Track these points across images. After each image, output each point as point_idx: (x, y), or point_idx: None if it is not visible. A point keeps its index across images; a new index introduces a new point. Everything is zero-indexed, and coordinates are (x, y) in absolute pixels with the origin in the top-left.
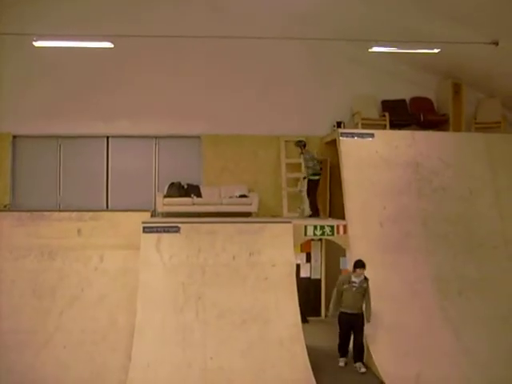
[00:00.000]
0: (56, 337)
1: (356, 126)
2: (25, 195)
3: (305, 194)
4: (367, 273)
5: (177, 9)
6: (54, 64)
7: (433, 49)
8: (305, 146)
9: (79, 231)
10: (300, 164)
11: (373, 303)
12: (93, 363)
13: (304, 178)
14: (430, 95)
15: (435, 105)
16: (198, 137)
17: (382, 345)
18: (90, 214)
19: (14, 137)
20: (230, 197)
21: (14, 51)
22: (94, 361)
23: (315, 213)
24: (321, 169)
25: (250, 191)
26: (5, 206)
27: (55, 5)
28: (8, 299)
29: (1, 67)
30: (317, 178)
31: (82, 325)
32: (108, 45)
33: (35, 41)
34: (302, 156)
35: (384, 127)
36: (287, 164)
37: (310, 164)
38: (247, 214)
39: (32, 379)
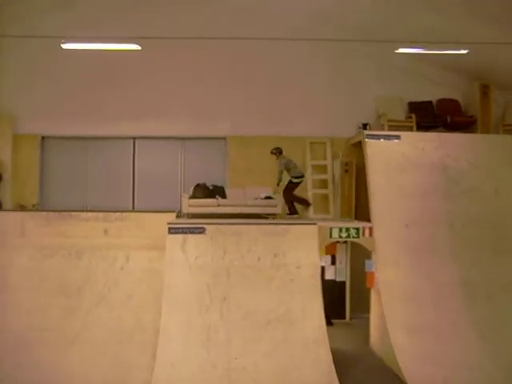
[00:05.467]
0: (82, 336)
1: (382, 128)
2: (52, 195)
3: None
4: (393, 276)
5: (201, 10)
6: (81, 66)
7: (460, 50)
8: (281, 152)
9: (106, 231)
10: (326, 166)
11: (398, 306)
12: (118, 362)
13: (278, 183)
14: (458, 97)
15: (462, 106)
16: (224, 138)
17: (408, 348)
18: (117, 214)
19: (43, 138)
20: (255, 198)
21: (42, 54)
22: (119, 360)
23: (293, 212)
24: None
25: (275, 193)
26: (33, 206)
27: (82, 7)
28: (35, 297)
29: (30, 70)
30: (299, 180)
31: (108, 324)
32: (135, 47)
33: (63, 43)
34: (278, 161)
35: (410, 129)
36: (313, 165)
37: (291, 166)
38: (272, 216)
39: (58, 377)
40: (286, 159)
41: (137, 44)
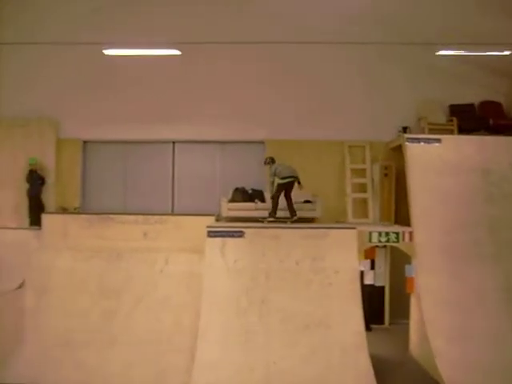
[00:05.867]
0: (122, 336)
1: (422, 131)
2: (94, 198)
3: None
4: (434, 281)
5: (239, 15)
6: (121, 71)
7: (503, 51)
8: (273, 161)
9: (145, 234)
10: (365, 170)
11: (438, 312)
12: (157, 363)
13: (272, 197)
14: (500, 99)
15: (505, 109)
16: (262, 142)
17: (448, 355)
18: (156, 217)
19: (84, 142)
20: (294, 202)
21: (85, 60)
22: (158, 361)
23: (273, 212)
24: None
25: (313, 196)
26: (75, 209)
27: (123, 14)
28: (77, 299)
29: (72, 75)
30: (285, 181)
31: (147, 326)
32: (175, 52)
33: (105, 49)
34: (269, 167)
35: (451, 132)
36: (352, 169)
37: (279, 170)
38: (311, 220)
39: (98, 378)
40: (275, 166)
41: (177, 49)
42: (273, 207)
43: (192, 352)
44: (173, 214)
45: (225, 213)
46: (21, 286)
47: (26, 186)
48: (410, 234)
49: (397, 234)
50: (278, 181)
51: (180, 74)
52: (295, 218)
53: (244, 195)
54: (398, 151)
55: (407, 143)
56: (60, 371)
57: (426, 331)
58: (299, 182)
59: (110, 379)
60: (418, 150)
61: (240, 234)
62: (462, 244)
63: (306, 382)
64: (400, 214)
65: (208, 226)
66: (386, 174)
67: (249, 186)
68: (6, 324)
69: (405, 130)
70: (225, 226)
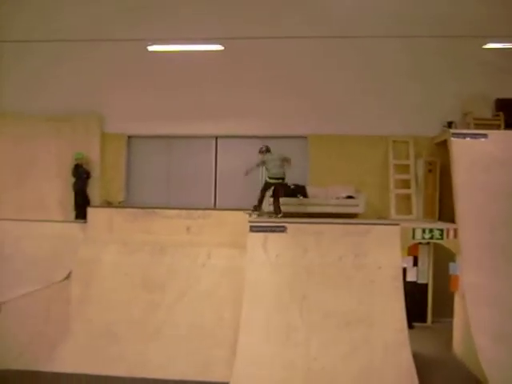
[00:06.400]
0: (165, 329)
1: (468, 126)
2: (137, 192)
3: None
4: (479, 280)
5: (282, 10)
6: (165, 67)
7: None
8: (268, 150)
9: (188, 229)
10: (408, 165)
11: (483, 311)
12: (198, 356)
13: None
14: None
15: None
16: (305, 137)
17: (493, 355)
18: (199, 212)
19: (129, 137)
20: (337, 198)
21: (129, 56)
22: (199, 354)
23: (257, 208)
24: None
25: (356, 192)
26: (119, 203)
27: (166, 10)
28: (121, 291)
29: (117, 71)
30: (274, 181)
31: (189, 319)
32: (218, 47)
33: (150, 45)
34: (263, 156)
35: (498, 127)
36: (395, 165)
37: (271, 165)
38: (353, 216)
39: (139, 369)
40: (267, 156)
41: (219, 44)
42: (258, 201)
43: (233, 346)
44: (215, 208)
45: (266, 207)
46: (67, 278)
47: (71, 180)
48: (455, 230)
49: (441, 230)
50: (267, 175)
51: (223, 69)
52: (280, 215)
53: (287, 190)
54: (443, 147)
55: (453, 138)
56: (104, 361)
57: (470, 330)
58: (285, 184)
59: (153, 371)
60: (464, 146)
61: (282, 229)
62: (509, 241)
63: (346, 379)
64: (444, 210)
65: (250, 221)
66: (430, 170)
67: (291, 181)
68: (54, 314)
69: (450, 124)
70: (267, 221)
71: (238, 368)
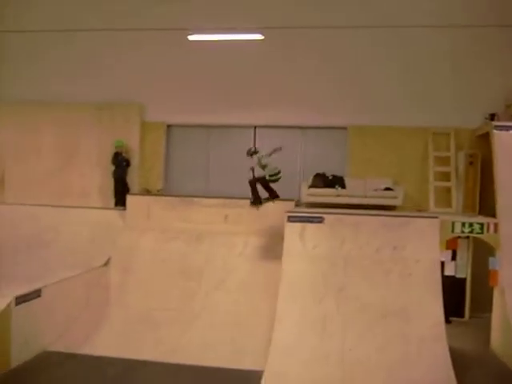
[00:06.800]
0: (201, 317)
1: (510, 119)
2: (176, 181)
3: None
4: None
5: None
6: (205, 57)
7: None
8: (255, 152)
9: (226, 217)
10: (449, 158)
11: None
12: (233, 345)
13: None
14: None
15: None
16: (344, 128)
17: None
18: (237, 201)
19: (168, 126)
20: (375, 189)
21: (169, 46)
22: (234, 342)
23: (256, 201)
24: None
25: (395, 184)
26: (158, 191)
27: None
28: (158, 279)
29: (157, 61)
30: (273, 178)
31: (225, 307)
32: (258, 37)
33: (190, 35)
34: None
35: None
36: (435, 157)
37: (270, 167)
38: (392, 208)
39: (176, 355)
40: (263, 158)
41: (259, 34)
42: (255, 195)
43: (268, 336)
44: None
45: (304, 198)
46: (106, 264)
47: (111, 167)
48: (495, 225)
49: (481, 224)
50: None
51: (262, 58)
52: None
53: (325, 181)
54: (485, 139)
55: (495, 131)
56: (141, 347)
57: (509, 326)
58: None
59: (188, 357)
60: (507, 138)
61: (320, 220)
62: None
63: (381, 370)
64: (485, 204)
65: (288, 211)
66: (471, 163)
67: (330, 171)
68: (93, 299)
69: (492, 117)
70: (304, 212)
71: (272, 358)
